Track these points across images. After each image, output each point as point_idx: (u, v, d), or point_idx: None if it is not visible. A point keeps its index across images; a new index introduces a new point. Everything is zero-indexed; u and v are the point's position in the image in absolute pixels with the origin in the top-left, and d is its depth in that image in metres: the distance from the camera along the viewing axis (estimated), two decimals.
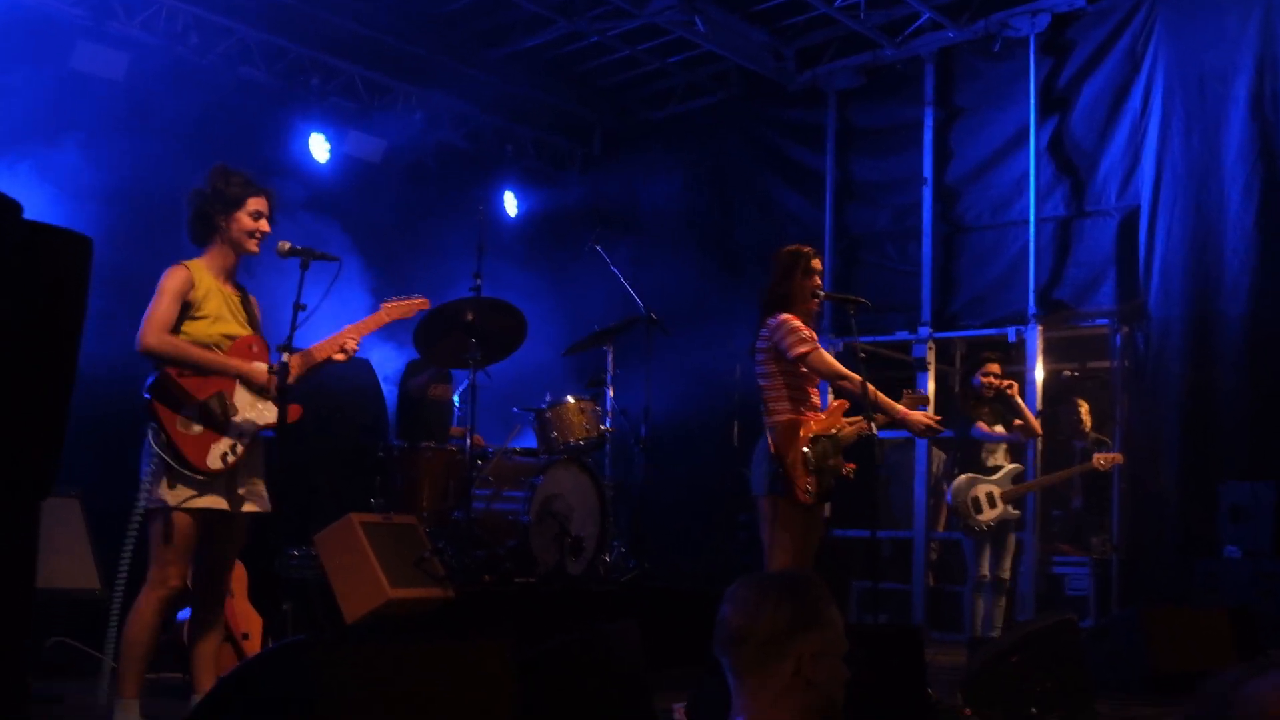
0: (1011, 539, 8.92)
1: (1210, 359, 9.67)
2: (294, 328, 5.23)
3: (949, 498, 8.85)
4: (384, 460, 8.50)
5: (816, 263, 6.70)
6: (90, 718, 5.93)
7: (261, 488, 5.40)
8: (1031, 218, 10.59)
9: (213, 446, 5.16)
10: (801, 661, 2.88)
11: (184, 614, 6.27)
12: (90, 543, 7.49)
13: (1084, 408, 10.68)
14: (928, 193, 11.29)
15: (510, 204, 12.61)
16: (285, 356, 5.20)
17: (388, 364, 9.92)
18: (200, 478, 5.12)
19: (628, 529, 9.33)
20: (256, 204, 5.38)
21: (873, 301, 7.56)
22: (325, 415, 8.57)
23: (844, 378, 6.52)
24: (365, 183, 11.25)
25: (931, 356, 11.05)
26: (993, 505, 8.76)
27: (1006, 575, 8.91)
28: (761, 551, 6.64)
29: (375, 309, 5.95)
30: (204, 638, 5.36)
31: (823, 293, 6.71)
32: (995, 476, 8.86)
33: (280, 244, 5.44)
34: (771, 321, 6.54)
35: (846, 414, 6.67)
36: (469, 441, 7.99)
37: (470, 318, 7.92)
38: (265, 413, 5.35)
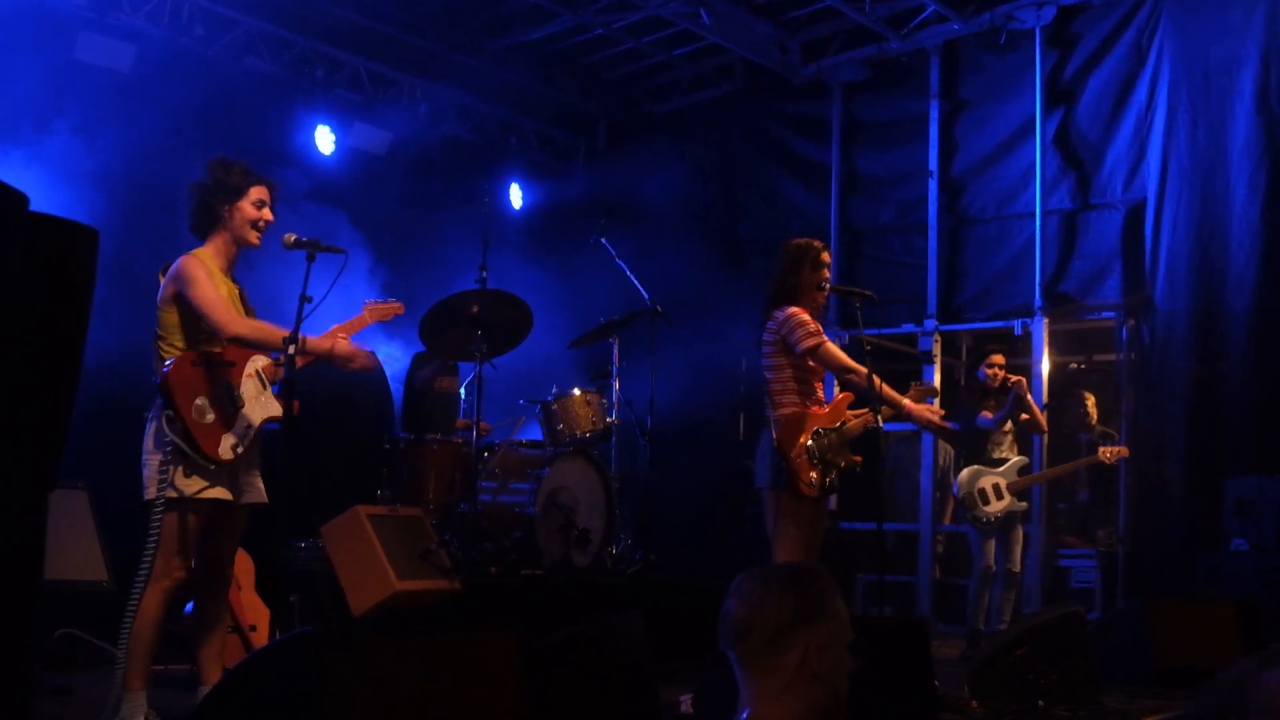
0: (1019, 531, 8.94)
1: (1216, 352, 9.67)
2: (300, 320, 5.23)
3: (955, 489, 8.85)
4: (390, 453, 8.51)
5: (825, 256, 6.70)
6: (99, 709, 5.94)
7: (259, 480, 5.42)
8: (1037, 210, 10.58)
9: (224, 437, 5.18)
10: (807, 653, 2.88)
11: (190, 607, 6.29)
12: (97, 534, 7.50)
13: (1090, 400, 10.67)
14: (933, 185, 11.27)
15: (515, 196, 12.61)
16: (292, 349, 5.21)
17: (394, 358, 9.93)
18: (212, 468, 5.14)
19: (633, 521, 9.34)
20: (259, 193, 5.39)
21: (878, 294, 7.55)
22: (332, 408, 8.59)
23: (851, 370, 6.53)
24: (370, 175, 11.25)
25: (937, 349, 11.03)
26: (999, 497, 8.77)
27: (1017, 568, 8.93)
28: (767, 544, 6.65)
29: (382, 300, 5.96)
30: (209, 630, 5.37)
31: (828, 286, 6.71)
32: (1001, 469, 8.87)
33: (286, 236, 5.45)
34: (779, 314, 6.54)
35: (852, 407, 6.68)
36: (475, 433, 8.00)
37: (476, 310, 7.92)
38: (269, 405, 5.37)
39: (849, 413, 6.63)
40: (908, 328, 11.28)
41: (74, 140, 8.68)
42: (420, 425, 8.77)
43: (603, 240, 9.66)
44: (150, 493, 5.07)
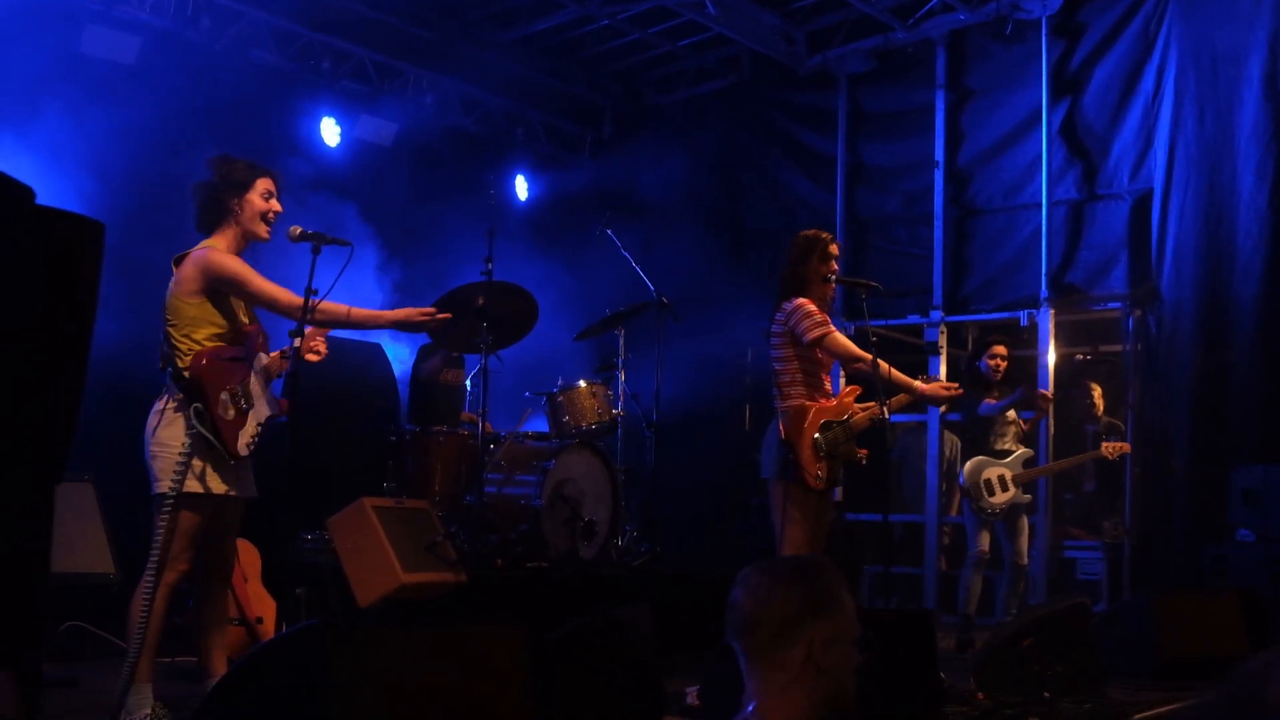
0: (1024, 522, 8.93)
1: (1223, 342, 9.64)
2: (305, 313, 5.24)
3: (961, 479, 8.86)
4: (396, 445, 8.52)
5: (834, 248, 6.71)
6: (105, 702, 5.95)
7: (251, 475, 5.42)
8: (1044, 201, 10.56)
9: (240, 432, 5.20)
10: (813, 647, 2.88)
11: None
12: (104, 527, 7.51)
13: (1097, 391, 10.66)
14: (939, 176, 11.25)
15: (521, 188, 12.60)
16: (297, 342, 5.21)
17: (401, 358, 9.95)
18: (232, 463, 5.16)
19: (639, 513, 9.34)
20: (265, 184, 5.40)
21: (884, 285, 7.54)
22: (337, 401, 8.60)
23: (859, 359, 6.54)
24: (376, 167, 11.26)
25: (943, 340, 11.02)
26: (1004, 489, 8.77)
27: (1025, 560, 8.92)
28: (772, 535, 6.65)
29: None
30: (212, 623, 5.39)
31: (835, 277, 6.71)
32: (1007, 460, 8.87)
33: (291, 229, 5.46)
34: (787, 305, 6.54)
35: (860, 398, 6.68)
36: (481, 426, 8.00)
37: (481, 302, 7.91)
38: (270, 403, 5.39)
39: (856, 405, 6.64)
40: (913, 319, 11.26)
41: (79, 132, 8.68)
42: (426, 417, 8.77)
43: (608, 231, 9.65)
44: (163, 486, 5.05)
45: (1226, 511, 8.95)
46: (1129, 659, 7.06)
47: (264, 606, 6.79)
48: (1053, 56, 10.62)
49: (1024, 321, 10.61)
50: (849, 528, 10.71)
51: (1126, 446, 9.22)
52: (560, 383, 8.74)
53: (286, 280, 5.52)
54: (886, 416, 6.60)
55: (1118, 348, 10.65)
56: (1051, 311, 10.46)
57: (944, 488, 10.85)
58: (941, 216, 11.20)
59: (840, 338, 6.55)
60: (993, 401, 8.95)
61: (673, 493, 10.00)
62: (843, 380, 6.99)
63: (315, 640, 3.84)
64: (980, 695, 6.03)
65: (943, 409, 10.10)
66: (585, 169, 13.15)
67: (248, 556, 6.77)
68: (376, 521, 6.72)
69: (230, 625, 5.98)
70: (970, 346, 11.20)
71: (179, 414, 5.09)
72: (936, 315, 11.09)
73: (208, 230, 5.38)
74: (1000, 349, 9.11)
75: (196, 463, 5.06)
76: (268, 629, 6.64)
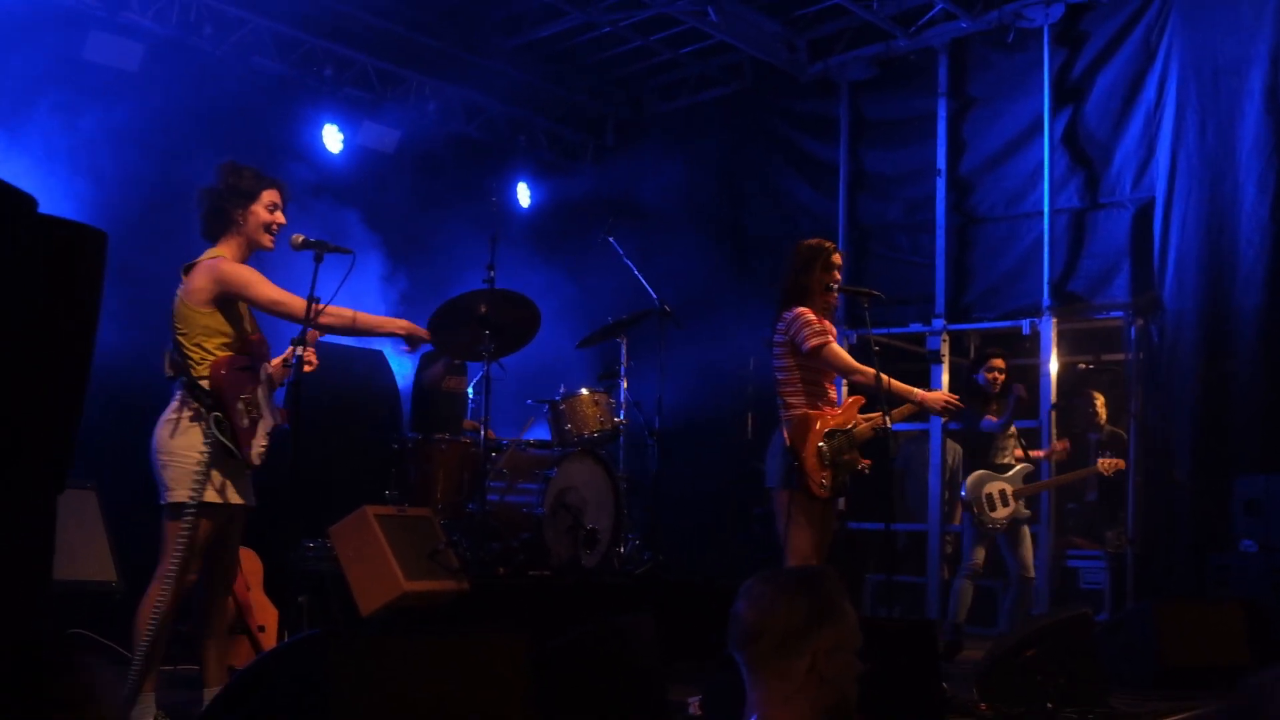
0: (1026, 534, 8.91)
1: (1225, 351, 9.64)
2: (308, 321, 5.24)
3: (963, 492, 8.83)
4: (398, 452, 8.51)
5: (837, 257, 6.70)
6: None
7: (250, 484, 5.42)
8: (1046, 209, 10.56)
9: (253, 441, 5.21)
10: (816, 657, 2.88)
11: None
12: (107, 535, 7.50)
13: (1099, 400, 10.66)
14: (941, 184, 11.26)
15: (523, 195, 12.60)
16: (300, 350, 5.21)
17: (403, 372, 9.94)
18: (247, 471, 5.17)
19: (642, 521, 9.34)
20: (271, 196, 5.39)
21: (886, 294, 7.54)
22: (340, 409, 8.59)
23: (857, 372, 6.52)
24: (378, 173, 11.26)
25: (945, 349, 11.02)
26: (1005, 504, 8.76)
27: (1031, 574, 8.90)
28: (774, 544, 6.65)
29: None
30: (214, 631, 5.38)
31: (837, 286, 6.70)
32: (1008, 475, 8.86)
33: (294, 237, 5.46)
34: (788, 315, 6.54)
35: (863, 409, 6.67)
36: (483, 434, 7.99)
37: (484, 310, 7.91)
38: (275, 412, 5.40)
39: (859, 415, 6.63)
40: (915, 327, 11.27)
41: (82, 139, 8.69)
42: (428, 425, 8.76)
43: (610, 239, 9.65)
44: (177, 495, 5.05)
45: (1229, 521, 8.95)
46: (1132, 668, 7.05)
47: (266, 615, 6.79)
48: (1055, 65, 10.63)
49: (1026, 330, 10.61)
50: (851, 536, 10.71)
51: (1121, 463, 9.22)
52: (562, 390, 8.74)
53: (289, 288, 5.53)
54: (890, 426, 6.60)
55: (1120, 357, 10.64)
56: (1053, 320, 10.46)
57: (946, 496, 10.85)
58: (943, 224, 11.20)
59: (838, 349, 6.53)
60: (994, 418, 8.93)
61: (675, 501, 10.00)
62: (845, 389, 6.98)
63: (318, 649, 3.84)
64: (983, 706, 6.02)
65: (945, 419, 10.08)
66: (587, 176, 13.16)
67: (250, 565, 6.77)
68: (378, 530, 6.72)
69: (232, 634, 5.97)
70: (971, 355, 11.22)
71: (194, 423, 5.09)
72: (939, 323, 11.09)
73: (213, 238, 5.38)
74: (998, 362, 9.10)
75: (215, 474, 5.07)
76: (269, 637, 6.63)
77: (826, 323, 6.67)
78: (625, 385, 9.09)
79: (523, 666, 4.40)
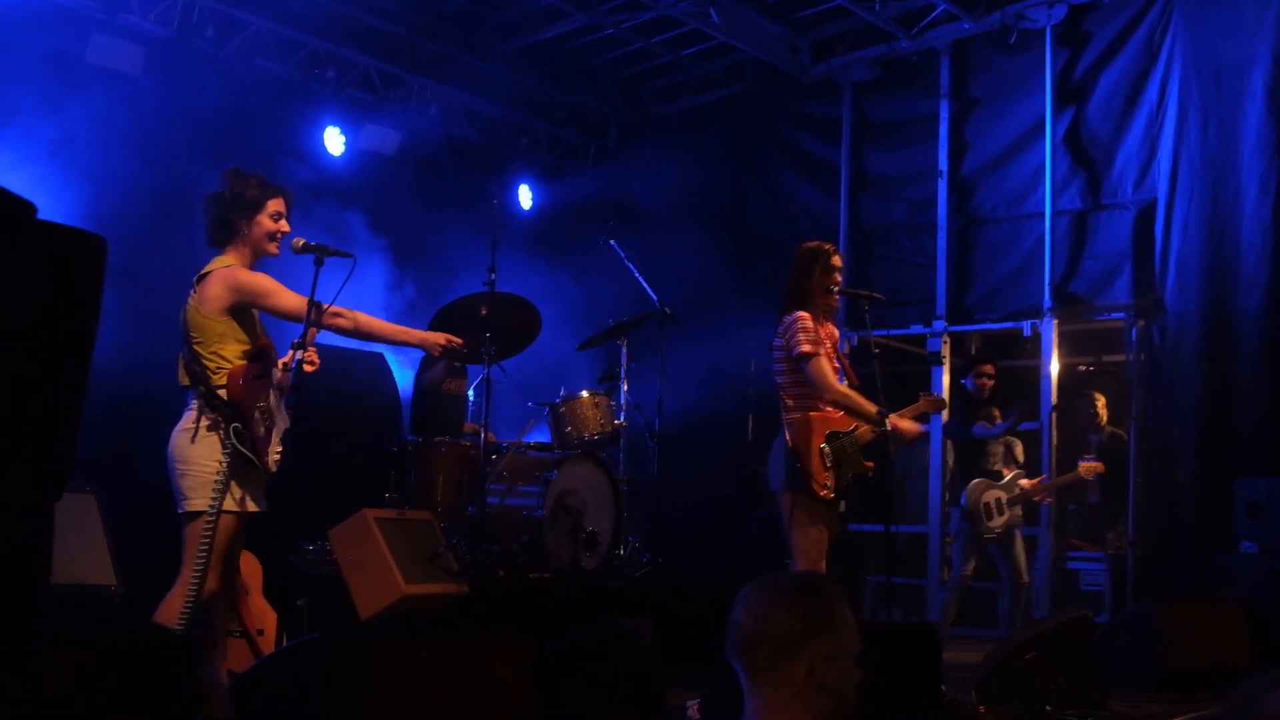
0: (1018, 539, 8.90)
1: (1227, 353, 9.64)
2: (309, 325, 5.24)
3: (963, 500, 8.80)
4: (398, 455, 8.50)
5: (837, 260, 6.68)
6: None
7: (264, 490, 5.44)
8: (1047, 210, 10.56)
9: (270, 449, 5.24)
10: (814, 663, 2.87)
11: None
12: (106, 539, 7.50)
13: (1100, 401, 10.66)
14: (943, 185, 11.25)
15: (525, 197, 12.60)
16: (300, 354, 5.21)
17: (406, 381, 9.95)
18: (265, 478, 5.18)
19: (642, 524, 9.33)
20: (275, 205, 5.40)
21: (887, 295, 7.54)
22: (340, 412, 8.59)
23: (834, 393, 6.44)
24: (380, 176, 11.26)
25: (946, 350, 11.02)
26: (1000, 512, 8.76)
27: (1025, 578, 8.90)
28: (775, 546, 6.65)
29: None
30: (217, 637, 5.38)
31: (837, 288, 6.69)
32: (1002, 483, 8.87)
33: (294, 240, 5.46)
34: (787, 318, 6.53)
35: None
36: (483, 436, 7.99)
37: (484, 313, 7.91)
38: (285, 417, 5.41)
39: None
40: (917, 328, 11.26)
41: (83, 142, 8.69)
42: (428, 427, 8.76)
43: (611, 242, 9.64)
44: (196, 504, 5.05)
45: (1230, 523, 8.94)
46: (1133, 669, 7.05)
47: (265, 618, 6.78)
48: (1057, 66, 10.63)
49: (1027, 331, 10.61)
50: (852, 539, 10.69)
51: (1100, 466, 9.21)
52: (563, 393, 8.73)
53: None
54: (889, 429, 6.60)
55: (1121, 358, 10.64)
56: (1055, 321, 10.45)
57: (946, 499, 10.84)
58: (945, 226, 11.20)
59: (823, 366, 6.46)
60: (986, 425, 8.92)
61: (675, 503, 9.99)
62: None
63: (317, 653, 3.84)
64: (982, 709, 6.01)
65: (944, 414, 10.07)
66: (589, 178, 13.15)
67: (249, 568, 6.76)
68: (378, 533, 6.72)
69: (231, 637, 5.97)
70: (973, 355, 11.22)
71: (212, 432, 5.09)
72: (940, 325, 11.09)
73: (219, 246, 5.38)
74: (988, 368, 9.09)
75: (239, 480, 5.08)
76: (269, 641, 6.63)
77: (828, 326, 6.67)
78: (626, 387, 9.08)
79: (522, 669, 4.41)
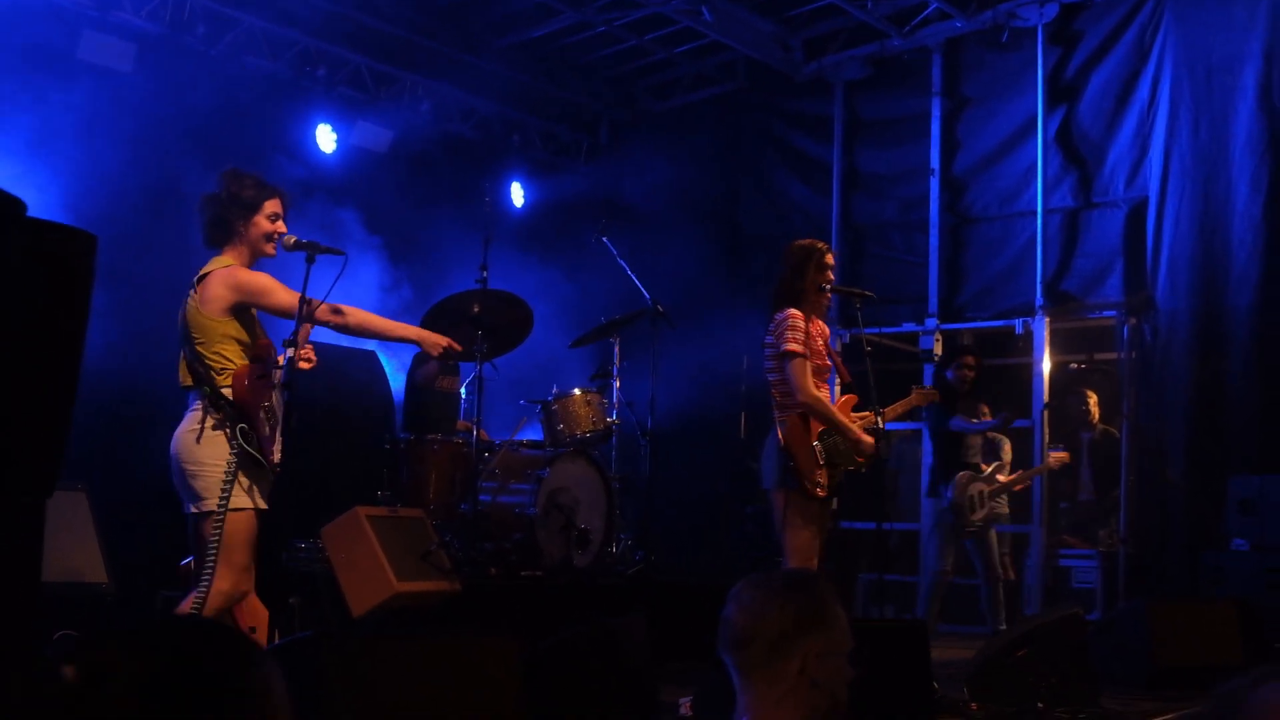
0: (992, 534, 8.91)
1: (1218, 351, 9.65)
2: (300, 322, 5.24)
3: (949, 493, 8.78)
4: (391, 453, 8.50)
5: (830, 258, 6.69)
6: None
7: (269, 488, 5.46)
8: (1039, 209, 10.57)
9: (275, 448, 5.28)
10: (807, 661, 2.87)
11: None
12: (97, 536, 7.49)
13: (1092, 399, 10.68)
14: (935, 184, 11.26)
15: (517, 194, 12.59)
16: (291, 352, 5.21)
17: (397, 358, 9.93)
18: (271, 477, 5.21)
19: (634, 522, 9.33)
20: (272, 206, 5.41)
21: (879, 293, 7.52)
22: (332, 409, 8.58)
23: (808, 397, 6.43)
24: (372, 174, 11.24)
25: (938, 348, 11.02)
26: (982, 505, 8.77)
27: (999, 571, 8.92)
28: (768, 544, 6.66)
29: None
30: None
31: (829, 286, 6.70)
32: (983, 476, 8.88)
33: (286, 237, 5.46)
34: (779, 316, 6.54)
35: (855, 409, 6.68)
36: (475, 435, 7.99)
37: (476, 310, 7.91)
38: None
39: (852, 414, 6.64)
40: (909, 327, 11.27)
41: (74, 139, 8.67)
42: (421, 425, 8.75)
43: (604, 239, 9.63)
44: (210, 504, 5.07)
45: (1222, 521, 8.96)
46: (1124, 667, 7.05)
47: (257, 616, 6.75)
48: (1049, 64, 10.64)
49: (1019, 330, 10.62)
50: (844, 536, 10.69)
51: (1066, 456, 9.25)
52: (555, 391, 8.72)
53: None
54: (882, 425, 6.61)
55: (1113, 356, 10.66)
56: (1046, 319, 10.46)
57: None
58: (937, 224, 11.21)
59: (803, 368, 6.45)
60: (965, 419, 8.90)
61: (667, 501, 10.00)
62: (839, 389, 6.97)
63: (309, 650, 3.84)
64: (974, 705, 6.03)
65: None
66: (581, 176, 13.15)
67: None
68: (370, 530, 6.72)
69: None
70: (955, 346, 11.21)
71: (218, 432, 5.11)
72: (932, 323, 11.10)
73: (216, 246, 5.39)
74: (970, 359, 9.09)
75: (244, 479, 5.10)
76: (260, 639, 6.61)
77: (820, 324, 6.67)
78: (618, 385, 9.08)
79: (514, 667, 4.41)
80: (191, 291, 5.27)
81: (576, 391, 8.72)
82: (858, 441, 6.51)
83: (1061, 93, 10.65)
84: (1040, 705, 5.98)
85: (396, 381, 9.88)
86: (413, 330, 5.99)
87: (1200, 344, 9.74)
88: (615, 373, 9.11)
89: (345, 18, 10.74)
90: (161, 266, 8.27)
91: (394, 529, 6.92)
